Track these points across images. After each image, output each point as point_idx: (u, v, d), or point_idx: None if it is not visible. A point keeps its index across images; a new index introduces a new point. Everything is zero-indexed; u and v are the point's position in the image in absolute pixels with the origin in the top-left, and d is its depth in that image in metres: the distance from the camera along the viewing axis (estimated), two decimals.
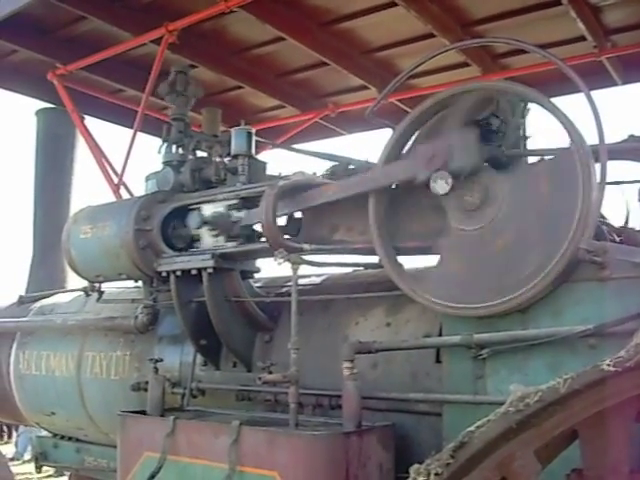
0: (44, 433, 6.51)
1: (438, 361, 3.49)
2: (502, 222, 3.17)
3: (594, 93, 3.10)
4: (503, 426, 1.94)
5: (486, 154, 3.31)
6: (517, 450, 2.04)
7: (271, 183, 3.89)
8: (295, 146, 6.91)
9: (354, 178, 3.68)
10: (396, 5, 5.21)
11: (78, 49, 6.08)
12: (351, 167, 4.00)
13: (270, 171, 4.49)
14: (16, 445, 15.01)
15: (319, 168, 4.40)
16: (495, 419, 1.95)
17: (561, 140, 3.19)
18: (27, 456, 13.58)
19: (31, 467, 7.97)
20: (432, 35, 5.64)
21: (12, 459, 12.83)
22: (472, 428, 1.99)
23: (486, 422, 1.96)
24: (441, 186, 3.23)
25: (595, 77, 5.87)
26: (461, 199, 3.27)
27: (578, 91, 3.07)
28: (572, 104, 3.09)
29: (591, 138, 3.04)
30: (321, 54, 6.08)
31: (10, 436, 16.24)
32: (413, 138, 3.51)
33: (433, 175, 3.25)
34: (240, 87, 6.95)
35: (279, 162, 6.92)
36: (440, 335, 3.46)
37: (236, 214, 4.20)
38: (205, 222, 4.26)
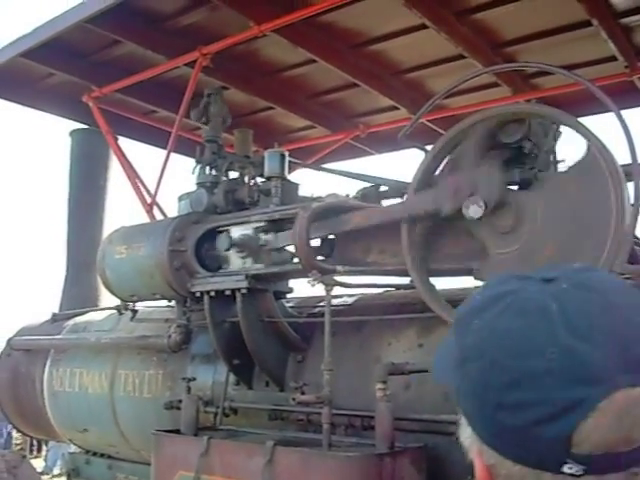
0: (73, 448, 6.58)
1: None
2: (537, 240, 3.18)
3: (626, 112, 3.11)
4: None
5: (517, 177, 3.34)
6: None
7: (304, 205, 3.94)
8: (326, 166, 6.98)
9: (383, 207, 3.71)
10: (426, 27, 5.25)
11: (113, 72, 6.18)
12: (383, 189, 4.04)
13: (302, 192, 4.55)
14: (45, 459, 15.11)
15: (350, 188, 4.45)
16: None
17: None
18: (56, 470, 13.68)
19: None
20: (462, 57, 5.67)
21: (42, 473, 12.89)
22: None
23: None
24: (475, 211, 3.24)
25: (627, 97, 5.86)
26: (494, 223, 3.29)
27: (610, 110, 3.08)
28: (606, 123, 3.09)
29: (624, 158, 3.05)
30: (352, 75, 6.13)
31: (40, 450, 16.35)
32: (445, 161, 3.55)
33: (465, 202, 3.26)
34: (271, 108, 7.03)
35: (310, 182, 6.99)
36: None
37: (264, 237, 4.24)
38: (233, 244, 4.29)
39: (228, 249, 4.35)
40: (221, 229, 4.49)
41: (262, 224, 4.24)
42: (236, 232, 4.36)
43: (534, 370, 0.81)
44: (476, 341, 0.88)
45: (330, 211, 3.94)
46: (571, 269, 0.92)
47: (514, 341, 0.83)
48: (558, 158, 3.60)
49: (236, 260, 4.38)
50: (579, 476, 0.79)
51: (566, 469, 0.79)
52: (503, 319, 0.86)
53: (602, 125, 3.45)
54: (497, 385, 0.84)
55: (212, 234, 4.57)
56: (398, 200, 4.07)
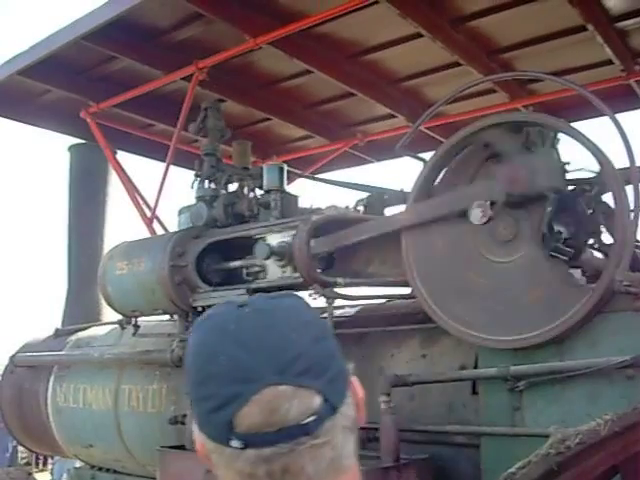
0: (79, 463, 6.57)
1: (474, 392, 3.49)
2: (535, 254, 3.18)
3: (623, 116, 3.14)
4: (544, 468, 1.95)
5: None
6: None
7: (304, 218, 3.93)
8: (325, 176, 7.00)
9: (385, 218, 3.68)
10: (422, 36, 5.26)
11: (110, 87, 6.18)
12: (386, 197, 4.05)
13: (302, 202, 4.54)
14: (52, 473, 15.08)
15: (350, 197, 4.45)
16: (536, 460, 1.96)
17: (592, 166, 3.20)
18: None
19: None
20: (458, 64, 5.67)
21: None
22: (513, 469, 2.00)
23: (527, 463, 1.96)
24: (476, 215, 3.22)
25: (623, 100, 5.86)
26: (495, 230, 3.28)
27: (606, 114, 3.09)
28: (606, 127, 3.10)
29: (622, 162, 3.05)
30: (349, 85, 6.13)
31: (45, 464, 16.32)
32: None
33: (473, 203, 3.25)
34: (269, 119, 7.04)
35: (310, 191, 7.01)
36: (476, 367, 3.47)
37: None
38: (273, 252, 4.08)
39: (268, 257, 4.13)
40: (256, 237, 4.28)
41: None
42: (274, 240, 4.15)
43: (211, 372, 1.08)
44: (188, 351, 1.15)
45: (330, 223, 3.93)
46: (265, 297, 1.19)
47: (203, 351, 1.12)
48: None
49: (274, 269, 4.17)
50: (243, 449, 1.05)
51: (233, 444, 1.05)
52: (202, 335, 1.14)
53: (603, 129, 3.44)
54: (193, 383, 1.12)
55: (213, 248, 4.57)
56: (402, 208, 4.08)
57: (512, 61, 5.76)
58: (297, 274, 3.97)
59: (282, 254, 4.05)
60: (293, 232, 4.06)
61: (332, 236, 3.85)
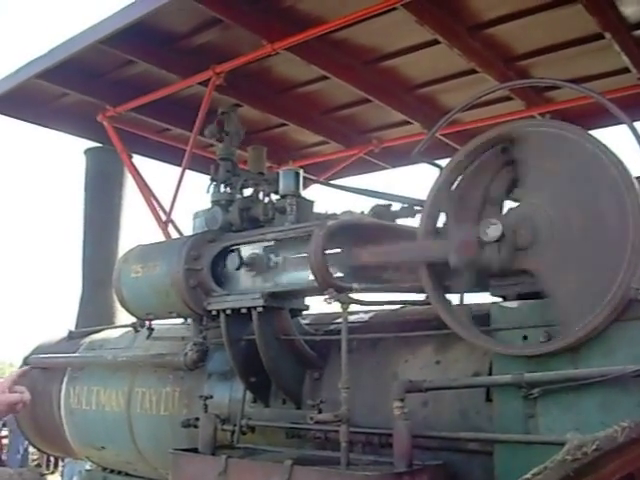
0: (88, 465, 6.59)
1: (488, 399, 3.47)
2: (553, 259, 3.17)
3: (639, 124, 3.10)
4: (560, 474, 1.94)
5: None
6: None
7: (319, 223, 3.93)
8: (340, 181, 7.02)
9: (395, 248, 3.69)
10: (439, 43, 5.27)
11: (127, 91, 6.24)
12: (395, 209, 4.08)
13: (317, 207, 4.55)
14: (62, 475, 15.11)
15: (365, 203, 4.45)
16: (552, 467, 1.95)
17: None
18: None
19: None
20: (475, 71, 5.69)
21: None
22: (528, 475, 1.99)
23: (543, 469, 1.96)
24: (493, 232, 3.22)
25: None
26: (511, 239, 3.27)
27: (623, 122, 3.08)
28: (622, 135, 3.10)
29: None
30: (365, 91, 6.16)
31: (56, 466, 16.35)
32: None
33: (482, 224, 3.25)
34: (285, 124, 7.07)
35: (325, 196, 7.03)
36: (490, 373, 3.45)
37: (274, 257, 4.26)
38: (243, 263, 4.29)
39: (238, 268, 4.35)
40: (232, 248, 4.50)
41: (271, 243, 4.26)
42: (246, 251, 4.37)
43: None
44: None
45: (345, 229, 3.94)
46: None
47: None
48: None
49: (246, 279, 4.38)
50: None
51: None
52: None
53: (618, 137, 3.44)
54: None
55: (228, 252, 4.58)
56: (410, 220, 4.10)
57: (529, 69, 5.76)
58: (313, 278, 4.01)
59: (252, 265, 4.26)
60: (263, 244, 4.29)
61: (350, 253, 3.88)
